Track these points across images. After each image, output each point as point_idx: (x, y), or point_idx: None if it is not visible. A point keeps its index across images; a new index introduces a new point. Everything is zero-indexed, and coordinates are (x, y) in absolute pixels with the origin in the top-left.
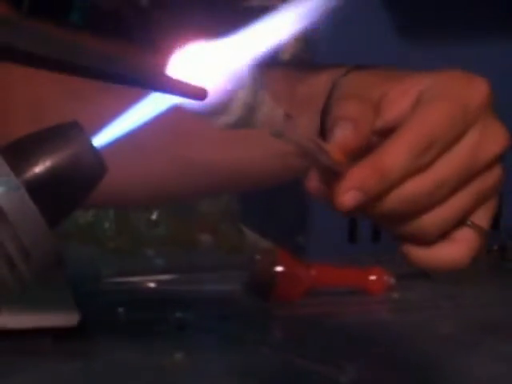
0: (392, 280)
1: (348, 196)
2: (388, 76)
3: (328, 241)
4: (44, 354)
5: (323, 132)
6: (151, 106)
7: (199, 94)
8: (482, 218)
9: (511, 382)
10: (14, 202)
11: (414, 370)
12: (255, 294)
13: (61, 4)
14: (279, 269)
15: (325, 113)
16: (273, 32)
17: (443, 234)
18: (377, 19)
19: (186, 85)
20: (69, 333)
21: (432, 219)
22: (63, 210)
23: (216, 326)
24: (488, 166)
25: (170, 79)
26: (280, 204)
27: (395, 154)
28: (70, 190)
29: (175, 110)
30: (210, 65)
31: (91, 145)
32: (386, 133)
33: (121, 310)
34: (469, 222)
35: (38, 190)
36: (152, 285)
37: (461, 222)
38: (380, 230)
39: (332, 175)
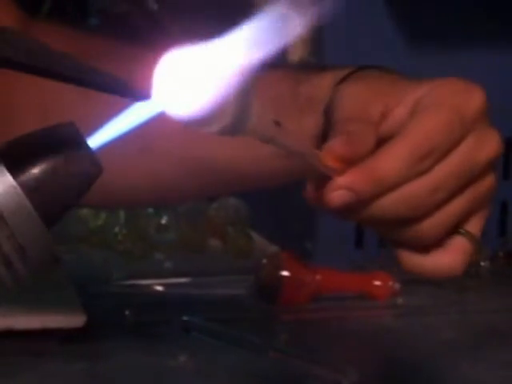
0: (397, 285)
1: (336, 194)
2: (386, 86)
3: (335, 246)
4: (50, 355)
5: (326, 133)
6: (145, 109)
7: (143, 95)
8: (475, 225)
9: None
10: (10, 201)
11: (417, 376)
12: (261, 298)
13: (78, 9)
14: (285, 273)
15: (327, 114)
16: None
17: (438, 241)
18: (383, 26)
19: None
20: (75, 334)
21: (429, 224)
22: (59, 209)
23: (221, 330)
24: (482, 173)
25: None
26: (288, 210)
27: (391, 161)
28: (66, 190)
29: None
30: (199, 71)
31: (87, 145)
32: (382, 143)
33: (127, 312)
34: (462, 230)
35: (35, 189)
36: (159, 288)
37: (455, 228)
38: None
39: (327, 182)
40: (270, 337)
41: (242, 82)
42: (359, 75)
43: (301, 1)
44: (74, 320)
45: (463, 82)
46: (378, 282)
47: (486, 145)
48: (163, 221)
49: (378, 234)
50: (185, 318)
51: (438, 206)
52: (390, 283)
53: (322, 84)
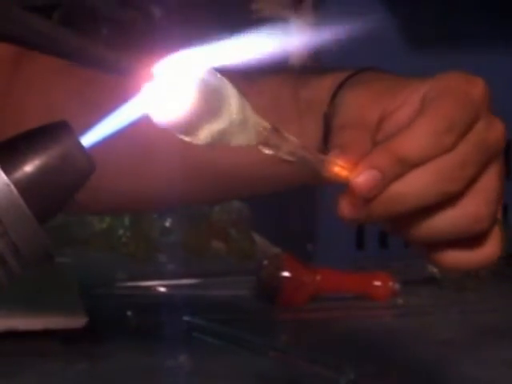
0: (397, 286)
1: (362, 178)
2: (384, 89)
3: (336, 248)
4: (52, 356)
5: (327, 136)
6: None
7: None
8: (499, 210)
9: None
10: (3, 199)
11: (416, 375)
12: (262, 299)
13: (88, 18)
14: (285, 274)
15: (327, 117)
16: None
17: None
18: (383, 28)
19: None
20: (78, 335)
21: (478, 204)
22: (52, 207)
23: (222, 330)
24: (497, 153)
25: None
26: (290, 212)
27: (413, 138)
28: (59, 187)
29: None
30: (193, 79)
31: (80, 143)
32: None
33: (130, 313)
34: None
35: (28, 187)
36: (162, 289)
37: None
38: (387, 235)
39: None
40: (270, 337)
41: (239, 88)
42: (358, 79)
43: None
44: (75, 321)
45: (463, 73)
46: (377, 283)
47: (494, 127)
48: (167, 224)
49: (414, 235)
50: (186, 318)
51: (468, 182)
52: (390, 283)
53: (322, 87)
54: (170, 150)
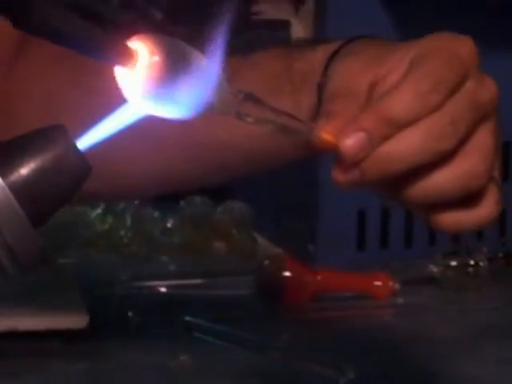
0: (397, 285)
1: (351, 140)
2: (374, 56)
3: (337, 248)
4: (53, 356)
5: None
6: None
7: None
8: (496, 170)
9: None
10: None
11: (416, 374)
12: (263, 299)
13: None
14: (286, 274)
15: (320, 88)
16: None
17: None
18: (380, 27)
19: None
20: (79, 335)
21: (466, 163)
22: (47, 209)
23: (223, 330)
24: (491, 111)
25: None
26: (291, 213)
27: (399, 98)
28: (55, 190)
29: None
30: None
31: (75, 146)
32: None
33: (131, 313)
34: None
35: (23, 190)
36: (163, 289)
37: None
38: (388, 235)
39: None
40: (271, 337)
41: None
42: (349, 48)
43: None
44: (76, 321)
45: (451, 34)
46: (378, 282)
47: (486, 86)
48: (169, 224)
49: (412, 197)
50: (187, 318)
51: (461, 139)
52: (390, 283)
53: (315, 59)
54: (169, 135)
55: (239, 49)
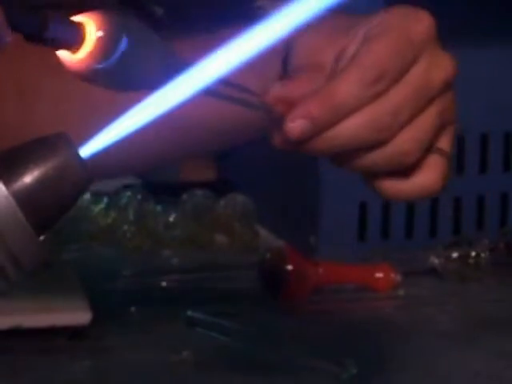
0: (398, 277)
1: (294, 124)
2: (340, 29)
3: (339, 240)
4: (57, 352)
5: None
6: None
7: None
8: (444, 142)
9: None
10: (1, 211)
11: (418, 367)
12: (264, 292)
13: None
14: (288, 267)
15: (285, 63)
16: None
17: (415, 162)
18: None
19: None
20: (82, 331)
21: (397, 146)
22: (50, 217)
23: (226, 324)
24: (441, 91)
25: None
26: (293, 205)
27: (344, 85)
28: (58, 198)
29: None
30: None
31: (77, 154)
32: None
33: (133, 308)
34: (433, 148)
35: (26, 198)
36: (165, 283)
37: (429, 148)
38: (389, 226)
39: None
40: (273, 331)
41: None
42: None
43: None
44: (80, 317)
45: (410, 8)
46: (379, 274)
47: (439, 66)
48: (171, 218)
49: (350, 167)
50: (189, 313)
51: (402, 126)
52: (392, 275)
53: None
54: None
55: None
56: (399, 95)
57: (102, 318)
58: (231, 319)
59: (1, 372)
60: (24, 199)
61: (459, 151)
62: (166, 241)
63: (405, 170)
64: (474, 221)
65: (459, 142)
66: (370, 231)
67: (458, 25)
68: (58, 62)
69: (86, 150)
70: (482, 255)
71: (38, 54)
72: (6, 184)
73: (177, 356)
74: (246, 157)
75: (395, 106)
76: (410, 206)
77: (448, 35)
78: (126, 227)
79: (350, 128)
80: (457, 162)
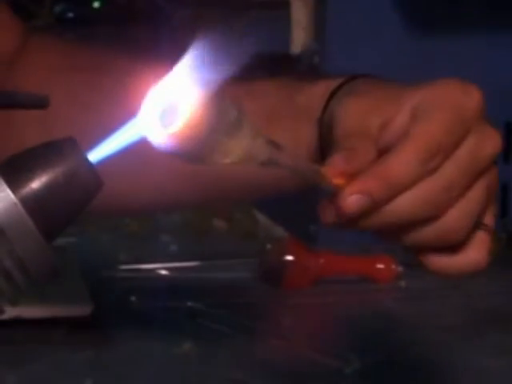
0: (399, 268)
1: (352, 199)
2: (383, 97)
3: (338, 229)
4: (56, 344)
5: (322, 143)
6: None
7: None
8: (489, 218)
9: None
10: (10, 217)
11: (420, 361)
12: (265, 282)
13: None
14: (289, 258)
15: (321, 124)
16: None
17: (463, 239)
18: (384, 13)
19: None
20: (82, 322)
21: (448, 222)
22: (59, 223)
23: (226, 315)
24: (488, 166)
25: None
26: (292, 193)
27: (402, 163)
28: (66, 204)
29: None
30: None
31: (86, 160)
32: (383, 154)
33: (133, 298)
34: (480, 225)
35: (35, 205)
36: (165, 272)
37: (476, 224)
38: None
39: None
40: (273, 322)
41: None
42: (351, 87)
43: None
44: (80, 309)
45: (459, 83)
46: (380, 265)
47: (487, 142)
48: None
49: (401, 242)
50: (189, 303)
51: (455, 200)
52: (393, 266)
53: (315, 93)
54: (169, 159)
55: (239, 32)
56: (452, 171)
57: (102, 308)
58: (232, 310)
59: (1, 363)
60: (32, 205)
61: None
62: (163, 226)
63: (452, 247)
64: None
65: None
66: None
67: (460, 13)
68: (85, 95)
69: (95, 155)
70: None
71: (67, 82)
72: (14, 190)
73: (178, 348)
74: None
75: (449, 181)
76: None
77: (450, 24)
78: None
79: (406, 204)
80: None
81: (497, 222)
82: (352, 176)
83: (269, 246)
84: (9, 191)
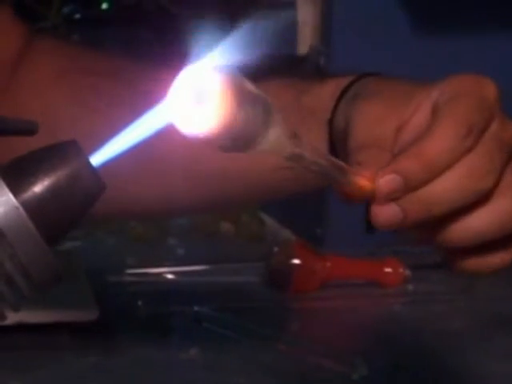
0: (407, 272)
1: (385, 180)
2: (399, 97)
3: (346, 232)
4: (62, 349)
5: (333, 145)
6: (148, 124)
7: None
8: None
9: None
10: (12, 221)
11: (427, 365)
12: (272, 286)
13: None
14: (296, 261)
15: (331, 124)
16: None
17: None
18: (391, 12)
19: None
20: (88, 327)
21: (503, 202)
22: (62, 227)
23: (232, 320)
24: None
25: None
26: (299, 195)
27: (438, 142)
28: (69, 208)
29: None
30: (211, 89)
31: (89, 163)
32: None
33: (140, 303)
34: None
35: (37, 209)
36: (172, 276)
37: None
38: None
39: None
40: (280, 327)
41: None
42: (361, 87)
43: None
44: (86, 314)
45: (474, 76)
46: (388, 269)
47: (508, 127)
48: None
49: (444, 241)
50: (196, 308)
51: (501, 171)
52: (401, 270)
53: (324, 94)
54: (177, 159)
55: (246, 32)
56: (487, 146)
57: (107, 313)
58: (239, 315)
59: (5, 369)
60: (35, 209)
61: None
62: (170, 229)
63: (494, 244)
64: None
65: None
66: None
67: (469, 12)
68: (88, 98)
69: (97, 158)
70: None
71: (70, 86)
72: (16, 194)
73: (185, 354)
74: None
75: (487, 155)
76: None
77: (459, 23)
78: None
79: (451, 182)
80: None
81: None
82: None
83: (276, 249)
84: (10, 195)
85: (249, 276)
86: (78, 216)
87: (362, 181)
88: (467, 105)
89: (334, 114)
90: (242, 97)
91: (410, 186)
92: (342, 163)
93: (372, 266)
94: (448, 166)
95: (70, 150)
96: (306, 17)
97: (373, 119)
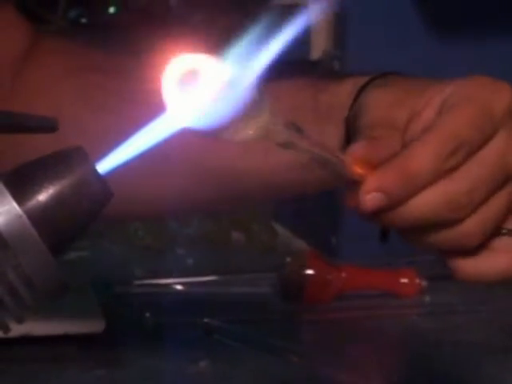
0: (424, 282)
1: (368, 198)
2: (411, 90)
3: (360, 242)
4: (69, 361)
5: (348, 141)
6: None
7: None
8: None
9: None
10: (16, 231)
11: (444, 377)
12: (285, 297)
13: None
14: (309, 272)
15: (348, 122)
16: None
17: (483, 243)
18: (405, 15)
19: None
20: (94, 339)
21: (470, 225)
22: (67, 237)
23: (243, 332)
24: None
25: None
26: (313, 205)
27: (421, 157)
28: (74, 217)
29: None
30: (211, 78)
31: (95, 171)
32: None
33: (148, 314)
34: (505, 230)
35: (41, 217)
36: (181, 287)
37: (497, 230)
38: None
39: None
40: (293, 339)
41: (258, 85)
42: (382, 81)
43: None
44: (92, 326)
45: (490, 79)
46: (404, 280)
47: None
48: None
49: (419, 243)
50: (206, 320)
51: (480, 203)
52: (417, 280)
53: (342, 92)
54: (186, 158)
55: (257, 35)
56: (476, 172)
57: (115, 325)
58: (250, 327)
59: (11, 382)
60: (39, 218)
61: None
62: (179, 238)
63: (475, 251)
64: None
65: None
66: (393, 233)
67: (483, 16)
68: (96, 96)
69: (104, 165)
70: None
71: (78, 84)
72: (20, 202)
73: (194, 367)
74: None
75: (472, 184)
76: None
77: (474, 26)
78: (137, 224)
79: (425, 203)
80: None
81: None
82: (374, 166)
83: (288, 260)
84: (14, 204)
85: (260, 287)
86: (84, 224)
87: (358, 170)
88: (468, 115)
89: (351, 111)
90: (228, 84)
91: (391, 202)
92: (338, 153)
93: (388, 276)
94: (427, 184)
95: (75, 157)
96: (320, 21)
97: (387, 104)
